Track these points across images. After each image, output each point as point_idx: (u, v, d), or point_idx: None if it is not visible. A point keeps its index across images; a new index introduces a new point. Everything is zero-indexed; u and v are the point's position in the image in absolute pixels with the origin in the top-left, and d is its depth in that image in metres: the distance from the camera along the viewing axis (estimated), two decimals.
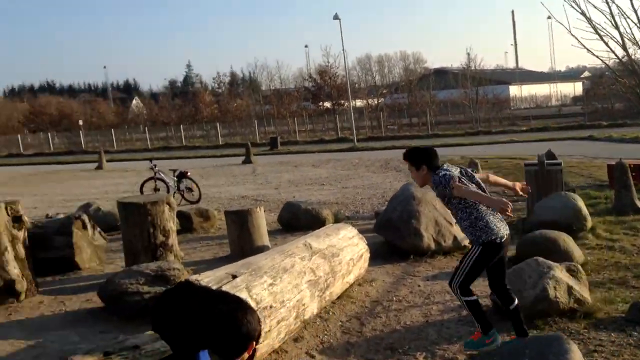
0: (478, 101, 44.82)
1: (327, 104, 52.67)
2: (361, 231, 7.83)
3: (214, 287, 4.21)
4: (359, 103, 52.84)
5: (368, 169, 18.79)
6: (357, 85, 57.49)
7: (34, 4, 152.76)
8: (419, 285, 6.02)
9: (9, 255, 6.16)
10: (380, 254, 7.24)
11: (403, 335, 4.82)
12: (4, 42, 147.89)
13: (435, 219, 7.31)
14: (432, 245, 7.11)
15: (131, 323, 5.24)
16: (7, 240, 6.18)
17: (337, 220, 9.65)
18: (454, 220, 7.26)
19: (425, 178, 4.27)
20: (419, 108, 44.59)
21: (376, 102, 53.44)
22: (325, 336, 4.93)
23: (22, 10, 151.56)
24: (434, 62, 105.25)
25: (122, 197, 7.93)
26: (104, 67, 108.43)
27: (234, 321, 2.24)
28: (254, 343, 2.36)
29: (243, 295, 4.21)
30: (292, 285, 4.82)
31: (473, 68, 49.96)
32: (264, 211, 11.68)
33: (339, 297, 5.72)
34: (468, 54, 51.93)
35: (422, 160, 4.27)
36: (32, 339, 5.07)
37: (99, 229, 8.18)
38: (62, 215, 8.44)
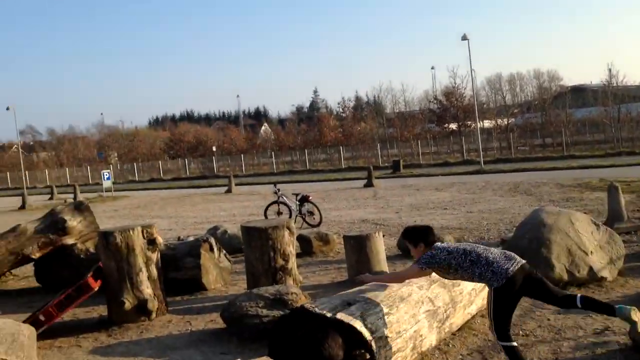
0: (620, 119, 41.62)
1: (453, 126, 51.60)
2: None
3: (329, 315, 4.17)
4: (487, 124, 51.23)
5: (495, 192, 18.01)
6: (485, 105, 55.79)
7: (181, 45, 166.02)
8: (549, 319, 5.58)
9: (143, 276, 6.58)
10: None
11: None
12: (154, 76, 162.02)
13: (569, 248, 6.77)
14: (565, 276, 6.59)
15: (250, 345, 5.35)
16: (142, 262, 6.60)
17: None
18: (589, 249, 6.75)
19: (419, 254, 4.63)
20: (554, 128, 42.30)
21: (506, 122, 51.49)
22: None
23: (171, 48, 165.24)
24: (570, 79, 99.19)
25: (246, 221, 8.20)
26: (237, 95, 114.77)
27: (316, 344, 2.20)
28: None
29: (357, 323, 4.13)
30: (409, 315, 4.66)
31: (615, 84, 46.56)
32: (384, 236, 11.59)
33: (459, 329, 5.45)
34: (609, 70, 48.41)
35: (418, 238, 4.68)
36: (160, 357, 5.33)
37: (224, 251, 8.50)
38: (192, 238, 8.89)
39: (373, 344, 4.09)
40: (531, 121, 49.78)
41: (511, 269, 4.27)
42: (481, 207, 14.73)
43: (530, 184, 19.13)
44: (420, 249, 4.61)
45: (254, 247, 7.04)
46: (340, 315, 4.18)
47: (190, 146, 59.76)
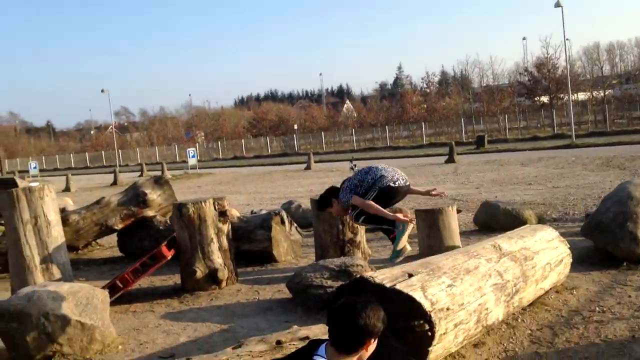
0: None
1: (544, 99, 49.14)
2: (569, 234, 7.13)
3: (388, 285, 4.08)
4: (581, 96, 48.46)
5: (585, 167, 17.06)
6: (581, 76, 52.59)
7: (265, 26, 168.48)
8: (630, 296, 5.20)
9: (214, 246, 6.73)
10: (587, 260, 6.47)
11: (602, 349, 4.19)
12: (239, 57, 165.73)
13: None
14: None
15: (315, 315, 5.36)
16: (213, 233, 6.76)
17: (540, 221, 8.85)
18: None
19: (341, 207, 4.98)
20: None
21: (602, 94, 48.45)
22: (510, 344, 4.50)
23: (255, 29, 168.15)
24: None
25: (316, 195, 8.19)
26: (320, 74, 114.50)
27: (352, 312, 2.14)
28: (372, 340, 2.22)
29: (417, 295, 4.01)
30: (474, 288, 4.47)
31: None
32: (460, 211, 11.27)
33: (531, 304, 5.20)
34: None
35: (329, 197, 5.09)
36: (227, 324, 5.46)
37: (295, 224, 8.56)
38: (264, 212, 9.01)
39: (433, 315, 3.96)
40: (630, 92, 46.65)
41: (396, 177, 4.84)
42: (568, 182, 14.01)
43: (624, 158, 17.98)
44: (336, 202, 5.02)
45: (323, 220, 7.04)
46: (399, 286, 4.08)
47: (273, 125, 60.68)
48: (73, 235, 8.55)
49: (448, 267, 4.57)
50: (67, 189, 26.15)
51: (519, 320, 4.91)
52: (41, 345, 4.65)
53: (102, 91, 47.42)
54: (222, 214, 6.96)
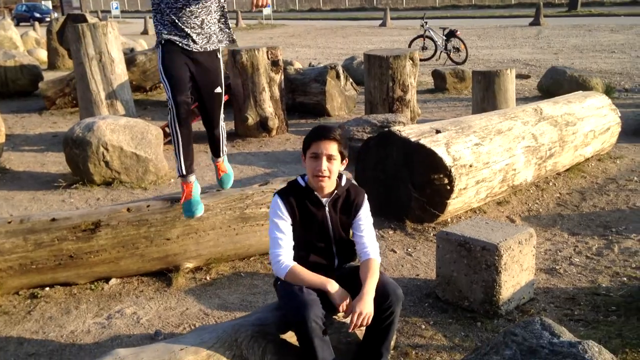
0: None
1: None
2: (635, 105, 6.85)
3: (413, 139, 4.22)
4: None
5: None
6: None
7: None
8: None
9: (266, 95, 6.97)
10: None
11: (625, 215, 4.27)
12: None
13: None
14: None
15: (351, 165, 5.60)
16: (265, 82, 6.96)
17: (608, 90, 8.50)
18: None
19: None
20: None
21: None
22: (535, 205, 4.62)
23: None
24: None
25: (370, 50, 8.13)
26: None
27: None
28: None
29: (439, 149, 4.14)
30: (504, 149, 4.54)
31: None
32: (530, 77, 10.90)
33: (568, 170, 5.22)
34: None
35: None
36: (270, 168, 5.83)
37: (351, 80, 8.59)
38: (322, 65, 9.05)
39: (453, 170, 4.11)
40: None
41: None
42: None
43: None
44: None
45: (373, 76, 7.05)
46: (423, 141, 4.21)
47: None
48: (140, 76, 8.98)
49: (479, 127, 4.62)
50: (145, 32, 26.81)
51: (550, 184, 4.98)
52: (101, 171, 5.20)
53: None
54: (275, 64, 7.09)
